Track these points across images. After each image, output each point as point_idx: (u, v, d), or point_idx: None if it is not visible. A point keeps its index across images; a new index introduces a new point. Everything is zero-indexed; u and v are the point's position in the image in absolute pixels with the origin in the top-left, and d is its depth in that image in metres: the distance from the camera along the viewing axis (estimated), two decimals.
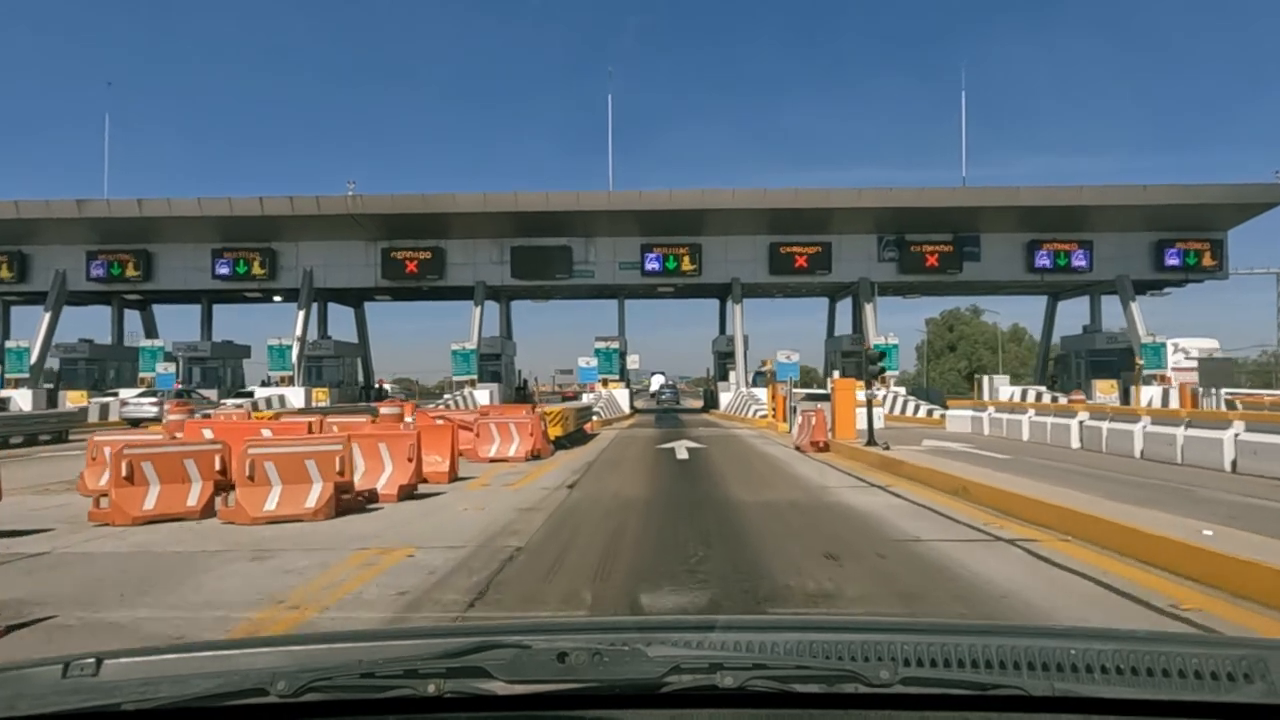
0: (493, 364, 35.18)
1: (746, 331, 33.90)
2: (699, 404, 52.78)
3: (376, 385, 41.22)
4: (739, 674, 1.10)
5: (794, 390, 20.76)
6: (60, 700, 1.14)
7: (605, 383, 31.31)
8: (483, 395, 29.10)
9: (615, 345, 31.79)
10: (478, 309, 31.54)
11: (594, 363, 30.82)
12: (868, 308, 31.78)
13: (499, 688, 1.10)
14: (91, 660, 1.22)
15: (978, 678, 1.13)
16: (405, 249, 32.74)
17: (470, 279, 31.81)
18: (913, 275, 32.07)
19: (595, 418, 19.94)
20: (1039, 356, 38.57)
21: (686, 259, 33.22)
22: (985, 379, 33.40)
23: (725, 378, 35.20)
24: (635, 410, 33.83)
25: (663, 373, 56.03)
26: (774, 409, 21.18)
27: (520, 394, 39.54)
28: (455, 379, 30.83)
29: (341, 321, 47.32)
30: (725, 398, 30.72)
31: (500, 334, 36.73)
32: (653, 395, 50.45)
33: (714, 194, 29.48)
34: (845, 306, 36.98)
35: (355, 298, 37.39)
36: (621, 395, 30.32)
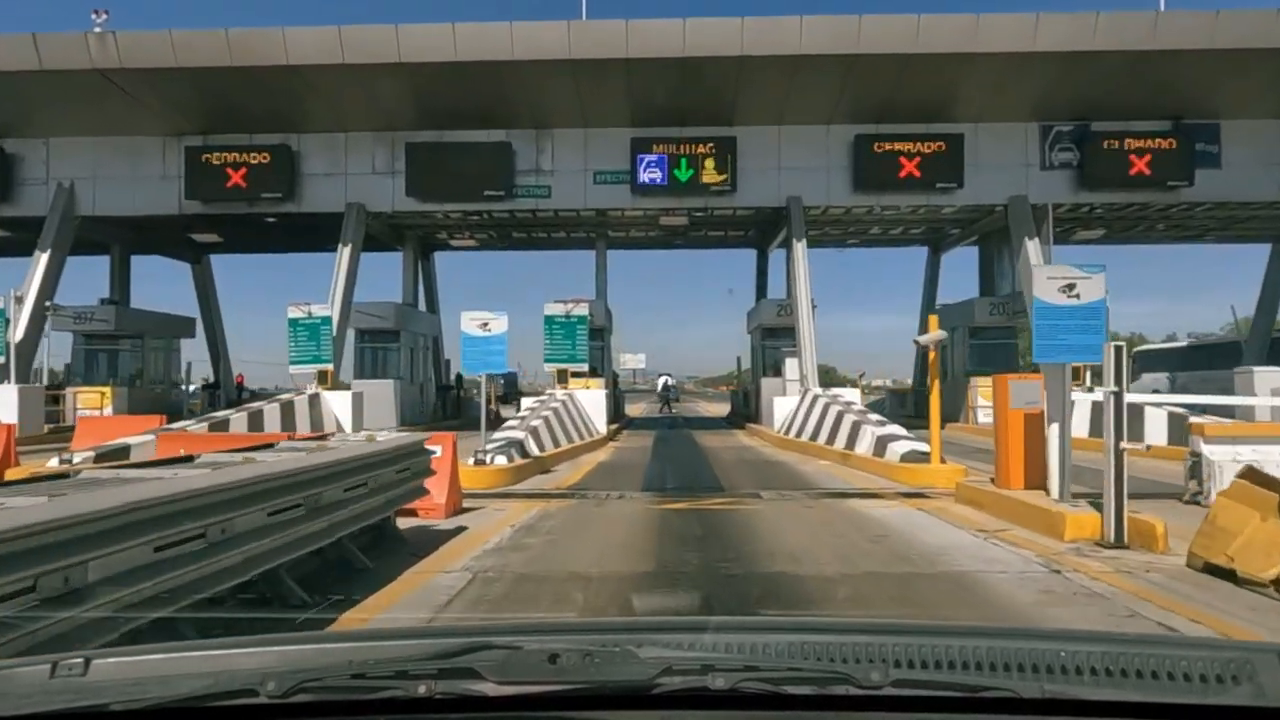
0: (384, 345, 23.89)
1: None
2: (717, 409, 44.95)
3: (236, 383, 29.71)
4: (730, 675, 1.11)
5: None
6: (48, 700, 1.14)
7: (564, 378, 20.31)
8: (338, 405, 18.57)
9: (580, 311, 20.58)
10: (345, 250, 21.33)
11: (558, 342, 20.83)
12: (1029, 247, 20.04)
13: (490, 688, 1.12)
14: (80, 660, 1.21)
15: (968, 679, 1.15)
16: (224, 149, 21.13)
17: (338, 201, 21.15)
18: (1105, 192, 21.00)
19: (503, 460, 12.00)
20: None
21: (710, 164, 20.95)
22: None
23: (769, 370, 25.34)
24: (620, 425, 25.33)
25: (669, 374, 49.47)
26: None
27: (447, 399, 29.23)
28: (294, 370, 19.47)
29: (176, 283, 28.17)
30: (781, 406, 19.90)
31: (404, 299, 25.09)
32: (658, 397, 47.21)
33: (765, 28, 18.55)
34: (959, 262, 29.10)
35: (168, 237, 25.75)
36: (592, 400, 19.74)
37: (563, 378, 20.00)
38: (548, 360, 20.24)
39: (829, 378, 28.61)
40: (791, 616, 4.56)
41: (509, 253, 31.34)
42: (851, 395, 17.75)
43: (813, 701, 1.09)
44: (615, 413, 27.09)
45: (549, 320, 20.27)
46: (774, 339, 25.29)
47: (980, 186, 20.96)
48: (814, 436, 16.55)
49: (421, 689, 1.08)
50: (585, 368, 20.73)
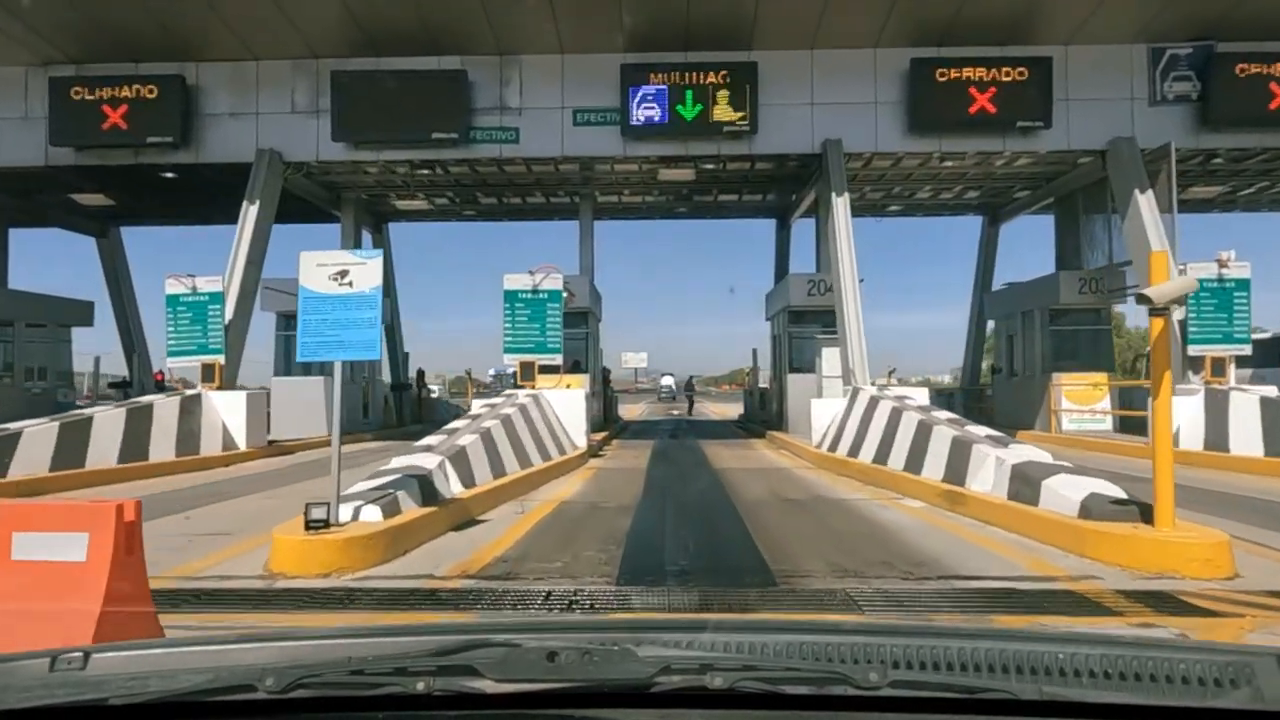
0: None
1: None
2: (724, 409, 41.63)
3: (155, 380, 23.63)
4: (729, 675, 1.14)
5: None
6: (47, 693, 1.15)
7: (529, 374, 15.66)
8: (228, 411, 14.92)
9: (551, 284, 16.11)
10: (251, 209, 17.03)
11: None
12: (1141, 203, 15.82)
13: (488, 686, 1.15)
14: (79, 653, 1.25)
15: (966, 681, 1.18)
16: (101, 82, 16.70)
17: (247, 148, 17.02)
18: (1235, 133, 16.58)
19: (372, 514, 6.84)
20: None
21: (723, 98, 16.62)
22: None
23: (794, 366, 21.06)
24: (612, 432, 21.77)
25: (671, 374, 54.98)
26: None
27: (404, 400, 24.12)
28: (171, 364, 16.06)
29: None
30: (821, 411, 15.63)
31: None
32: (660, 398, 54.02)
33: None
34: (1014, 235, 26.17)
35: (56, 202, 20.93)
36: (567, 404, 15.31)
37: (528, 374, 15.12)
38: (508, 350, 16.56)
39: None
40: (790, 617, 4.74)
41: (477, 225, 29.36)
42: (919, 395, 12.94)
43: (811, 701, 1.14)
44: (606, 417, 24.49)
45: (510, 297, 17.29)
46: (803, 324, 21.92)
47: (1072, 127, 17.46)
48: (882, 458, 12.62)
49: (420, 686, 1.13)
50: (558, 359, 17.33)
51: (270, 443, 16.36)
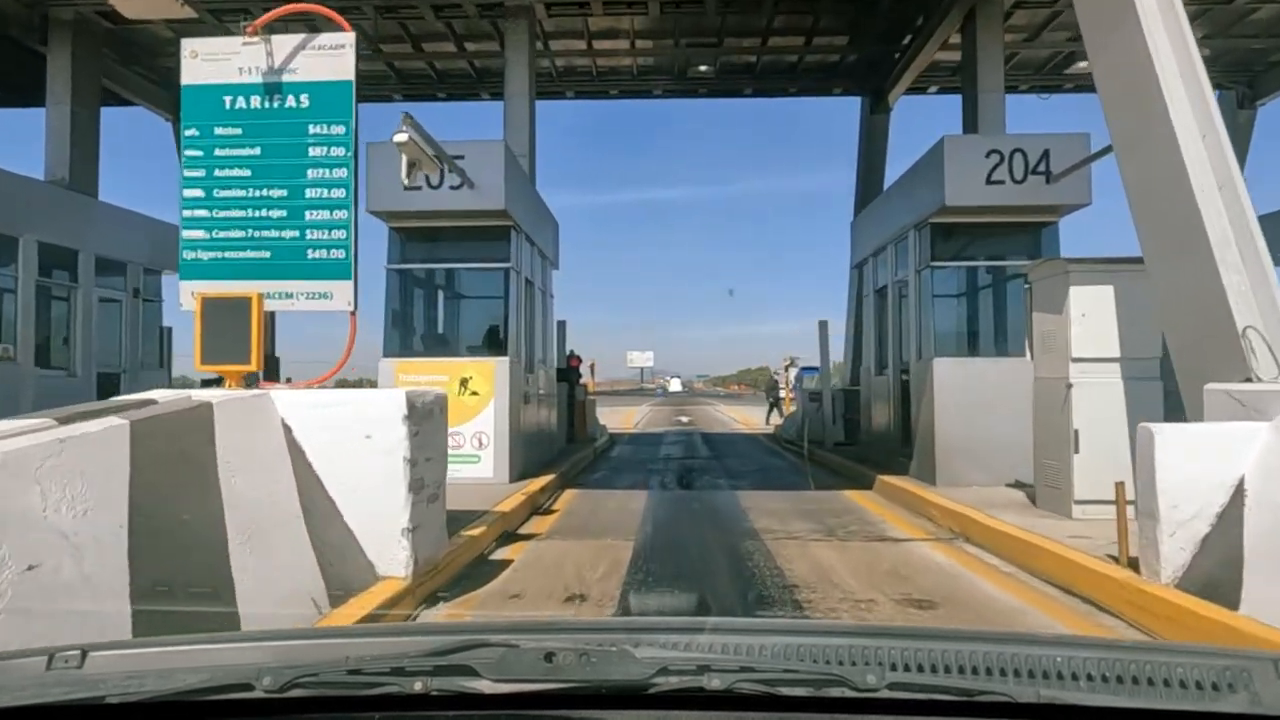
0: None
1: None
2: (744, 416, 34.69)
3: None
4: (726, 676, 1.15)
5: None
6: (43, 692, 1.16)
7: (212, 356, 6.15)
8: None
9: (322, 70, 6.03)
10: None
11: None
12: None
13: (485, 686, 1.16)
14: (76, 652, 1.26)
15: (964, 683, 1.19)
16: None
17: None
18: None
19: None
20: None
21: None
22: None
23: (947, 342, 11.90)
24: (581, 457, 14.96)
25: (679, 375, 54.88)
26: None
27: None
28: None
29: None
30: (1192, 456, 5.53)
31: (48, 167, 13.26)
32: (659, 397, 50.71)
33: None
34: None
35: None
36: (358, 452, 5.30)
37: (225, 349, 6.01)
38: (185, 274, 7.04)
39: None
40: (788, 619, 4.77)
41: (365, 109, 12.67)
42: None
43: (808, 703, 1.16)
44: (571, 436, 17.11)
45: (200, 109, 6.98)
46: (967, 252, 12.28)
47: None
48: None
49: (417, 686, 1.14)
50: (331, 290, 6.94)
51: None
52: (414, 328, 12.60)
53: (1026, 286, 9.69)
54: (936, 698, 1.12)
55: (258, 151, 6.98)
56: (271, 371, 19.88)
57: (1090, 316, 8.46)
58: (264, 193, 6.84)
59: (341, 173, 6.91)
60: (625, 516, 10.09)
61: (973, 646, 1.25)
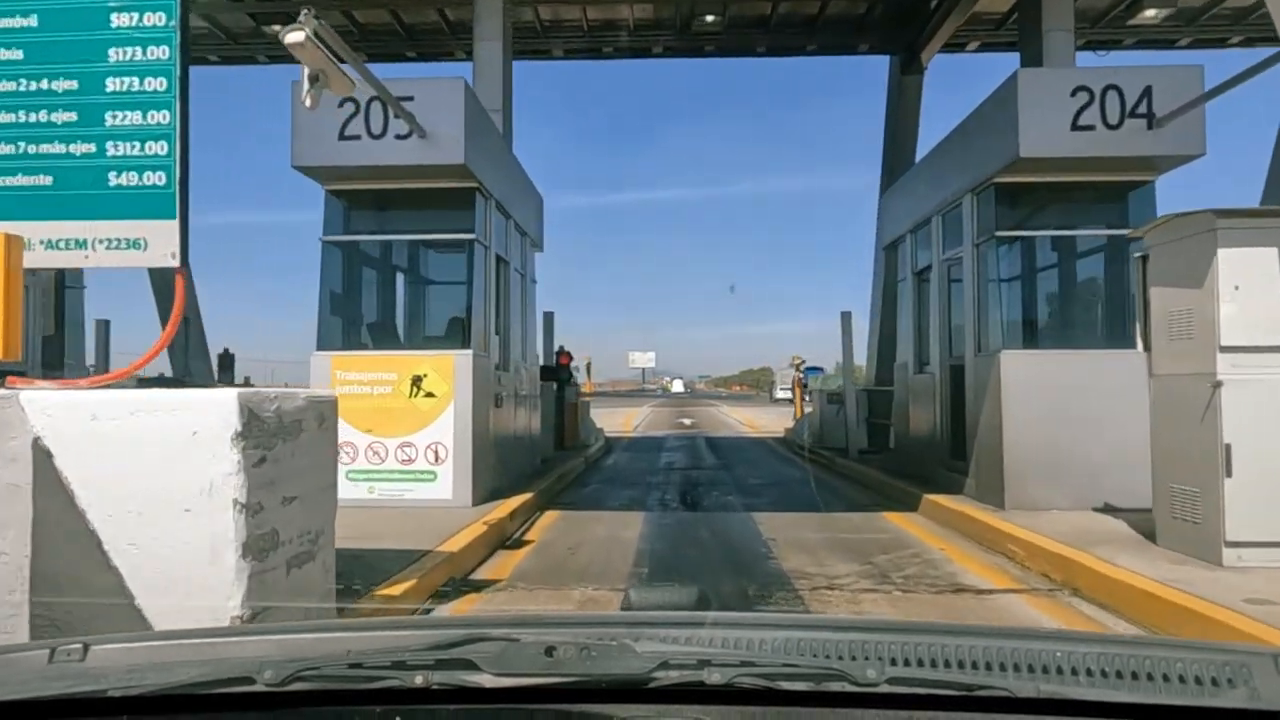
0: None
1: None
2: (750, 418, 33.80)
3: None
4: (726, 670, 1.16)
5: None
6: (45, 685, 1.17)
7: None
8: None
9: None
10: None
11: None
12: None
13: (486, 680, 1.18)
14: (78, 645, 1.26)
15: (964, 678, 1.20)
16: None
17: None
18: None
19: None
20: None
21: None
22: None
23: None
24: (569, 469, 13.23)
25: (681, 377, 53.90)
26: None
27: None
28: None
29: None
30: None
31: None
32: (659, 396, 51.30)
33: None
34: None
35: None
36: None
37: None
38: None
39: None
40: (789, 613, 4.75)
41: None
42: None
43: (808, 698, 1.17)
44: (559, 443, 15.74)
45: None
46: (1044, 216, 9.97)
47: None
48: None
49: (419, 679, 1.16)
50: (144, 235, 4.97)
51: None
52: (359, 315, 10.27)
53: (1139, 255, 7.49)
54: (936, 692, 1.13)
55: (33, 22, 4.61)
56: (198, 372, 15.81)
57: (1247, 290, 6.13)
58: (41, 84, 4.49)
59: (162, 52, 4.49)
60: (615, 551, 8.17)
61: (973, 641, 1.27)
